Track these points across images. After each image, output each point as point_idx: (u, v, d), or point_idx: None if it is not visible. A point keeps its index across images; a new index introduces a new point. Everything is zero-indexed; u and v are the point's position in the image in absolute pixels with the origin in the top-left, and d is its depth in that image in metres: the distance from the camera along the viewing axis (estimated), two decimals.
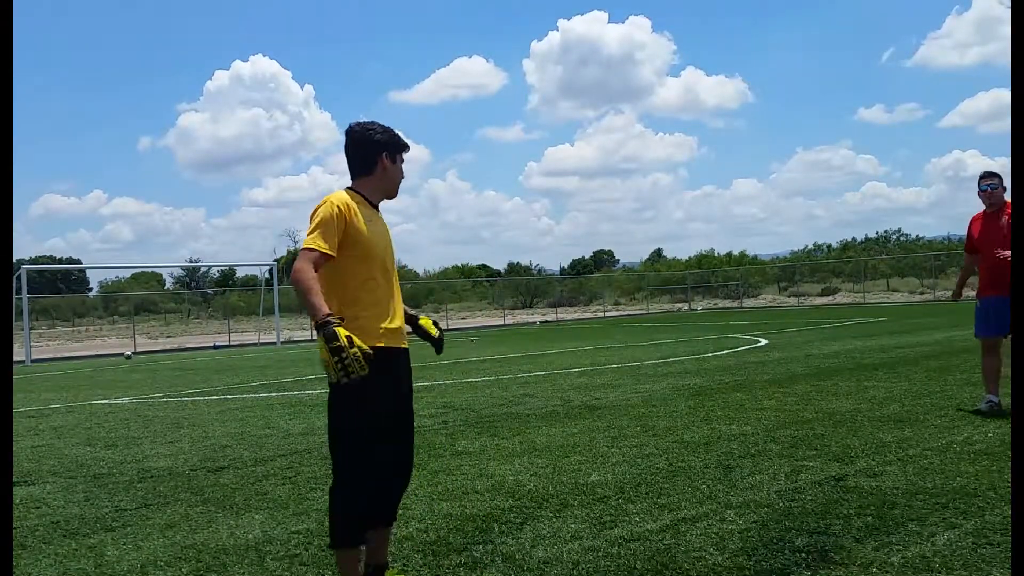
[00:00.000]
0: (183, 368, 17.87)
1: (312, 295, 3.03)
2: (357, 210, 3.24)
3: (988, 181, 6.69)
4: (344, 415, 3.21)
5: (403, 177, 3.45)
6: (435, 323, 3.64)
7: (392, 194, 3.46)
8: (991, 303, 6.64)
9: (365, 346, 3.00)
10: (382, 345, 3.22)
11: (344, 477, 3.21)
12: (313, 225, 3.18)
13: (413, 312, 3.61)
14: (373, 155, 3.34)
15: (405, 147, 3.43)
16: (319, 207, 3.21)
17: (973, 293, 7.14)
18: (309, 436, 7.16)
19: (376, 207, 3.40)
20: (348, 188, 3.36)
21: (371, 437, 3.19)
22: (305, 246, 3.15)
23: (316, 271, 3.11)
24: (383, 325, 3.25)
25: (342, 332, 2.96)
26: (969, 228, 6.97)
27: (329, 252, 3.14)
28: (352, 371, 2.95)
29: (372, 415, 3.19)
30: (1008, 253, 6.34)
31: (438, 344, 3.61)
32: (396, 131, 3.41)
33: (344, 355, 2.93)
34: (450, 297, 51.14)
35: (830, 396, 8.00)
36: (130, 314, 42.30)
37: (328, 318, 2.99)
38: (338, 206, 3.20)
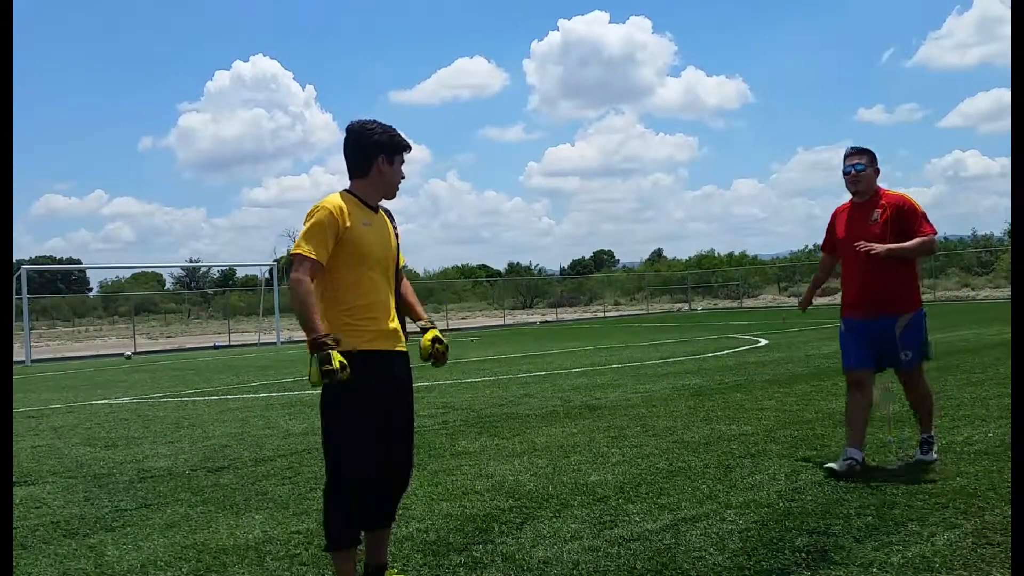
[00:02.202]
0: (183, 368, 17.86)
1: (309, 311, 3.07)
2: (351, 213, 3.22)
3: (853, 160, 5.04)
4: (336, 417, 3.21)
5: (403, 178, 3.40)
6: (435, 342, 3.48)
7: (390, 195, 3.41)
8: (855, 326, 5.07)
9: (348, 373, 3.03)
10: (375, 349, 3.21)
11: (337, 478, 3.21)
12: (305, 230, 3.17)
13: (424, 322, 3.55)
14: (370, 157, 3.30)
15: (405, 147, 3.37)
16: (312, 211, 3.20)
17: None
18: (309, 436, 7.16)
19: (375, 208, 3.37)
20: (345, 190, 3.34)
21: (363, 439, 3.18)
22: (297, 251, 3.15)
23: (312, 280, 3.12)
24: (377, 328, 3.23)
25: (336, 357, 3.00)
26: (830, 223, 5.31)
27: (319, 260, 3.14)
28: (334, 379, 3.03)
29: (364, 417, 3.18)
30: (872, 246, 4.77)
31: (436, 358, 3.53)
32: (396, 130, 3.35)
33: (334, 379, 3.00)
34: (450, 297, 51.12)
35: (830, 396, 7.99)
36: (130, 314, 42.28)
37: (324, 339, 3.03)
38: (330, 211, 3.18)
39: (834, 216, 5.27)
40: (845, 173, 5.07)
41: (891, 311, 4.93)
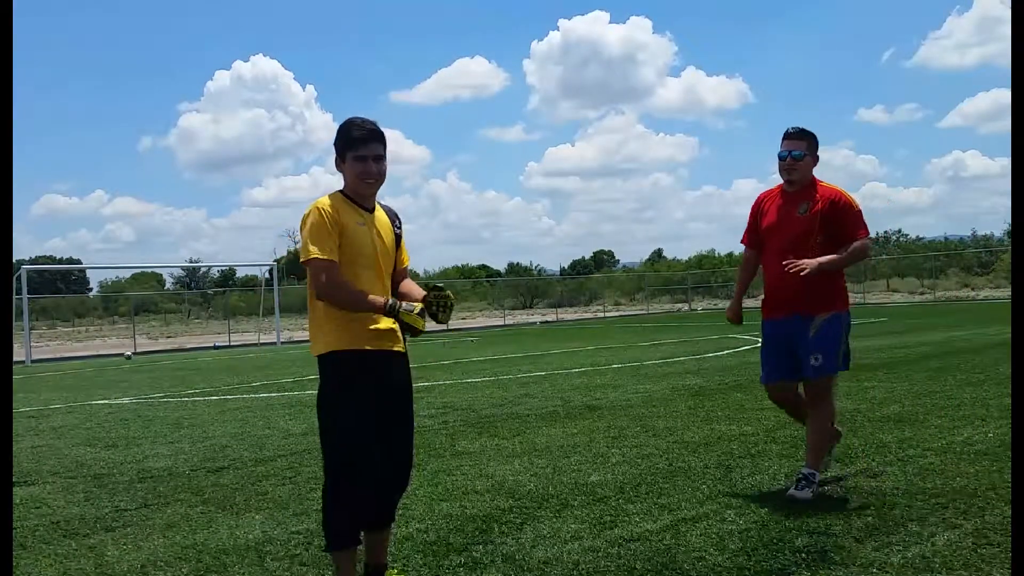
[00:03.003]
0: (183, 368, 17.87)
1: (356, 297, 3.15)
2: (343, 212, 3.20)
3: (791, 145, 4.43)
4: (333, 417, 3.20)
5: (366, 174, 3.21)
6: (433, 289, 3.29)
7: (362, 191, 3.26)
8: (773, 330, 4.55)
9: (419, 319, 3.17)
10: (368, 348, 3.19)
11: (335, 478, 3.20)
12: (307, 235, 3.14)
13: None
14: (336, 157, 3.30)
15: (352, 144, 3.21)
16: (307, 216, 3.18)
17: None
18: (309, 436, 7.16)
19: (369, 207, 3.30)
20: (338, 191, 3.31)
21: (361, 438, 3.16)
22: (312, 257, 3.11)
23: (337, 278, 3.12)
24: (372, 328, 3.21)
25: (418, 305, 3.18)
26: (753, 211, 4.69)
27: (330, 258, 3.13)
28: (441, 313, 3.23)
29: (362, 417, 3.16)
30: (802, 264, 4.21)
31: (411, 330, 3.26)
32: (355, 124, 3.23)
33: (431, 308, 3.20)
34: None
35: None
36: (130, 314, 42.28)
37: (390, 303, 3.15)
38: (320, 209, 3.17)
39: (758, 204, 4.67)
40: (780, 158, 4.46)
41: (808, 310, 4.36)
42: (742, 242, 4.80)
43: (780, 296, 4.47)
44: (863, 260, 4.54)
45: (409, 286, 3.51)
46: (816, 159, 4.51)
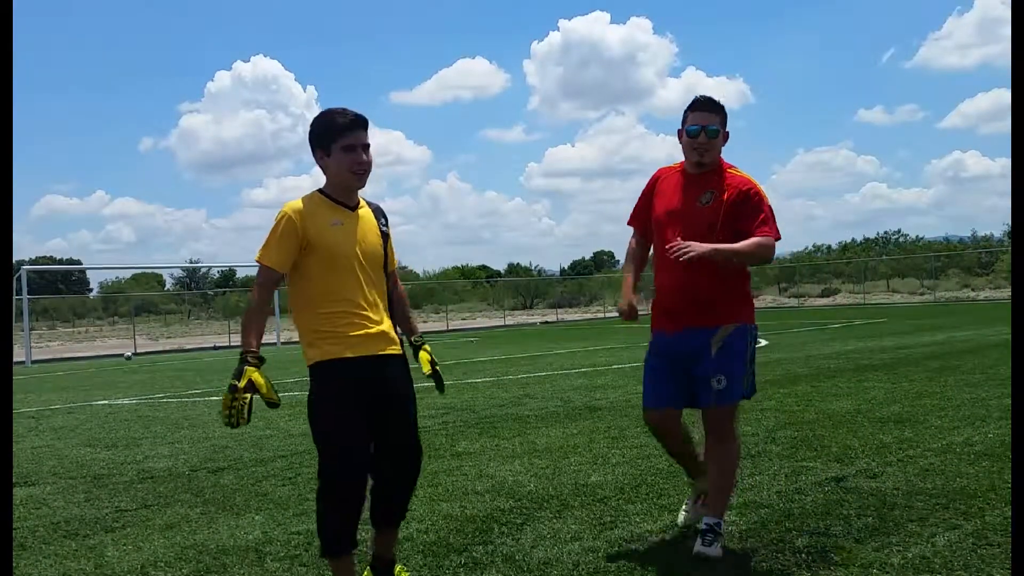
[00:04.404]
0: (183, 369, 17.88)
1: (247, 327, 3.08)
2: (316, 214, 3.09)
3: (704, 118, 3.59)
4: (318, 425, 3.16)
5: (355, 166, 3.08)
6: (432, 361, 3.48)
7: (351, 186, 3.16)
8: (663, 346, 3.86)
9: (273, 396, 3.04)
10: (352, 356, 3.11)
11: (326, 486, 3.15)
12: (266, 238, 3.10)
13: (416, 340, 3.47)
14: (313, 152, 3.17)
15: (338, 133, 3.07)
16: (276, 217, 3.12)
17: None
18: (309, 437, 7.12)
19: (351, 205, 3.19)
20: (318, 189, 3.21)
21: (346, 445, 3.10)
22: (257, 259, 3.12)
23: (269, 290, 3.12)
24: (359, 332, 3.12)
25: (250, 373, 2.97)
26: (647, 190, 3.86)
27: (276, 268, 3.09)
28: (233, 418, 2.96)
29: (345, 424, 3.10)
30: (694, 249, 3.37)
31: (436, 380, 3.53)
32: (336, 114, 3.10)
33: (235, 399, 2.95)
34: (450, 298, 51.11)
35: (830, 397, 8.00)
36: (130, 315, 42.31)
37: (246, 354, 3.00)
38: (289, 215, 3.06)
39: (654, 182, 3.83)
40: (691, 134, 3.59)
41: (705, 322, 3.61)
42: (629, 223, 3.97)
43: (674, 303, 3.69)
44: (766, 262, 3.68)
45: (406, 313, 3.46)
46: (727, 136, 3.69)
